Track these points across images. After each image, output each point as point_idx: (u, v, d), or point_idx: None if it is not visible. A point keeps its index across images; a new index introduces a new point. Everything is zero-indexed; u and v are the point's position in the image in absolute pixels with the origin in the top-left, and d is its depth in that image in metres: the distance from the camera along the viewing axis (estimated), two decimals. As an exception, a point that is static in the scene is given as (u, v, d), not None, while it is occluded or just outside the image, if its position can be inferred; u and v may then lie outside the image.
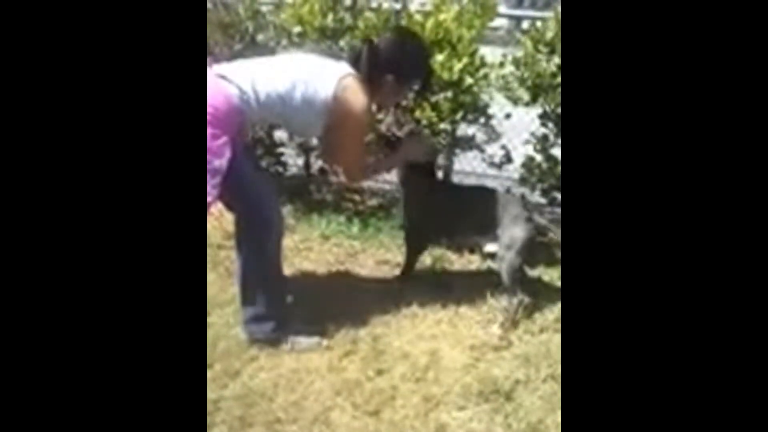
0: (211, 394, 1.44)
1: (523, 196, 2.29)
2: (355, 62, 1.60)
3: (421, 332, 1.75)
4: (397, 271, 2.05)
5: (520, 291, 1.78)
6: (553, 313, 1.81)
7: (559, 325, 1.75)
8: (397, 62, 1.62)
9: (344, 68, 1.57)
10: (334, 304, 1.84)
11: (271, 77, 1.53)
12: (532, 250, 1.88)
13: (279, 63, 1.63)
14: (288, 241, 2.25)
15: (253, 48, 2.44)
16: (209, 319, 1.71)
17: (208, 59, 1.54)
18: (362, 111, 1.55)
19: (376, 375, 1.56)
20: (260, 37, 2.48)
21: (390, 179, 2.62)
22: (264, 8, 2.54)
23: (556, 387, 1.52)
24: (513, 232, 1.78)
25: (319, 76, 1.53)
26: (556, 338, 1.70)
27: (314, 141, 2.56)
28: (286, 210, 2.40)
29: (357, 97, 1.54)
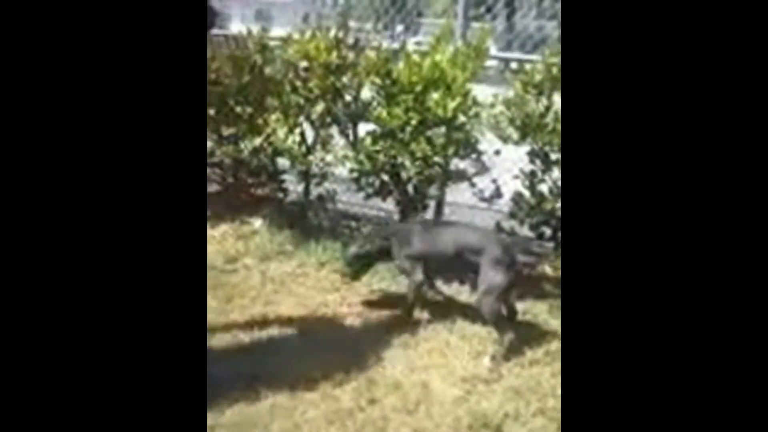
0: (208, 421, 1.34)
1: (512, 231, 2.25)
2: None
3: (413, 362, 1.66)
4: (394, 311, 1.94)
5: (508, 328, 1.70)
6: (542, 346, 1.74)
7: (549, 359, 1.67)
8: None
9: None
10: (328, 332, 1.76)
11: None
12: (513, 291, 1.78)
13: None
14: (285, 267, 2.19)
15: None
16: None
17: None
18: None
19: (368, 405, 1.48)
20: (268, 71, 2.46)
21: (386, 207, 2.57)
22: (272, 43, 2.52)
23: (545, 421, 1.44)
24: (492, 277, 1.68)
25: None
26: (546, 371, 1.62)
27: (315, 168, 2.50)
28: (285, 235, 2.33)
29: None
